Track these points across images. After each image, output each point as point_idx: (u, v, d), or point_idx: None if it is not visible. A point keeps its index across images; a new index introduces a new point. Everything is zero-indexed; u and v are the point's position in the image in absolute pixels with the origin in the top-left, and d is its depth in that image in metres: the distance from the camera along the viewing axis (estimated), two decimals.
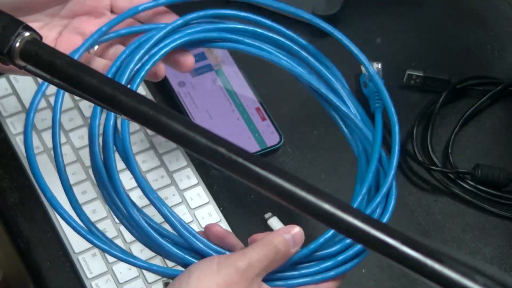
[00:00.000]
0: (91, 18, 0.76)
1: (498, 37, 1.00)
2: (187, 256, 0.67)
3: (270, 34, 0.76)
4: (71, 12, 0.75)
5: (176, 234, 0.68)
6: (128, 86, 0.70)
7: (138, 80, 0.71)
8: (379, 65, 0.91)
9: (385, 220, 0.70)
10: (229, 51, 0.94)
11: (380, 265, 0.84)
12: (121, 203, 0.68)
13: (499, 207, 0.89)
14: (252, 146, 0.89)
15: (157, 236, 0.67)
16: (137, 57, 0.71)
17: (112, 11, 0.77)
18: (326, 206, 0.49)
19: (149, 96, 0.90)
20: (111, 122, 0.69)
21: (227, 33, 0.75)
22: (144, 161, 0.86)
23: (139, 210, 0.68)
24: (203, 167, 0.87)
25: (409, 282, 0.84)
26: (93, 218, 0.82)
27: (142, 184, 0.68)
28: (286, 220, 0.85)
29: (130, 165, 0.68)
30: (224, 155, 0.51)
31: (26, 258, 0.82)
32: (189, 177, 0.86)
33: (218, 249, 0.68)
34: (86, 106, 0.88)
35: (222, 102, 0.91)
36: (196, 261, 0.67)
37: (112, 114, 0.69)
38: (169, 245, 0.67)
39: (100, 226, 0.82)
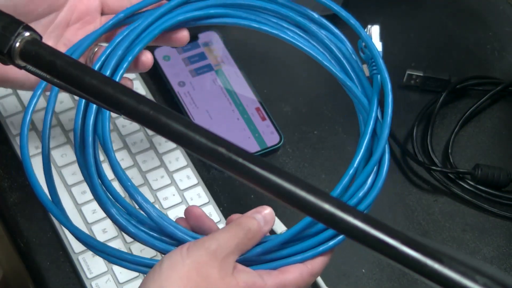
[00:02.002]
0: (84, 25, 0.76)
1: (498, 37, 1.00)
2: (162, 243, 0.67)
3: (259, 3, 0.75)
4: (65, 20, 0.75)
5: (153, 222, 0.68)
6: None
7: (121, 71, 0.71)
8: (377, 28, 0.86)
9: (376, 189, 0.69)
10: (229, 50, 0.94)
11: (380, 265, 0.84)
12: (96, 196, 0.68)
13: (499, 207, 0.89)
14: (252, 146, 0.89)
15: (129, 226, 0.67)
16: (120, 50, 0.71)
17: (103, 13, 0.77)
18: (326, 206, 0.49)
19: (149, 96, 0.90)
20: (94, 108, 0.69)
21: (214, 8, 0.75)
22: (144, 161, 0.86)
23: (115, 196, 0.68)
24: (203, 167, 0.87)
25: (409, 282, 0.84)
26: (93, 218, 0.82)
27: (116, 171, 0.68)
28: (286, 220, 0.85)
29: (107, 151, 0.69)
30: (224, 155, 0.51)
31: (26, 258, 0.82)
32: (189, 177, 0.86)
33: (193, 234, 0.68)
34: None
35: (222, 102, 0.91)
36: (172, 247, 0.67)
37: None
38: (143, 233, 0.67)
39: (100, 226, 0.82)
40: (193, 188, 0.86)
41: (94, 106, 0.69)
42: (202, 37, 0.95)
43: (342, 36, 0.75)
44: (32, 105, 0.70)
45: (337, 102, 0.93)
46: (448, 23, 1.01)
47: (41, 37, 0.59)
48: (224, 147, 0.51)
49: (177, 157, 0.87)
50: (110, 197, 0.68)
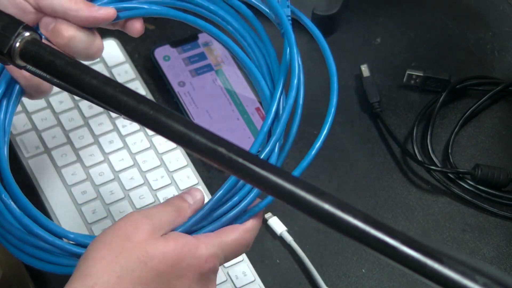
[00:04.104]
0: None
1: (498, 37, 1.00)
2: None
3: None
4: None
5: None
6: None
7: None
8: None
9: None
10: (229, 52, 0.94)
11: (380, 265, 0.84)
12: None
13: (499, 207, 0.89)
14: None
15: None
16: None
17: None
18: (327, 207, 0.49)
19: (149, 96, 0.90)
20: None
21: None
22: (144, 161, 0.86)
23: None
24: (203, 167, 0.87)
25: (409, 282, 0.84)
26: (93, 218, 0.82)
27: None
28: (286, 220, 0.85)
29: None
30: (224, 155, 0.51)
31: None
32: (189, 177, 0.86)
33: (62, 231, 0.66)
34: (86, 106, 0.88)
35: (222, 102, 0.91)
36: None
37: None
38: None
39: (100, 226, 0.82)
40: None
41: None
42: (202, 37, 0.95)
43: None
44: None
45: (337, 102, 0.93)
46: (448, 23, 1.01)
47: (41, 37, 0.59)
48: (224, 147, 0.51)
49: (177, 157, 0.87)
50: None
